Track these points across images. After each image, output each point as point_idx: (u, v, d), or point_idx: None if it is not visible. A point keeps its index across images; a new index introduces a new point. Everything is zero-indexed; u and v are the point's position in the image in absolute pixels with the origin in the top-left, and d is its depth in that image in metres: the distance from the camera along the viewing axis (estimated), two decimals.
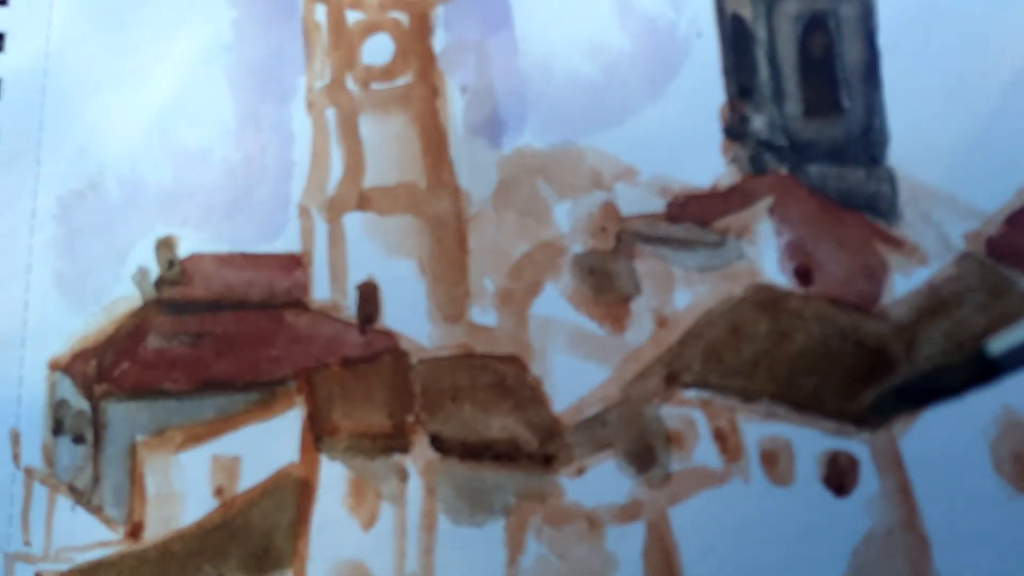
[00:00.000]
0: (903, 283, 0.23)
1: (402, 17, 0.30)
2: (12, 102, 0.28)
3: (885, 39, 0.25)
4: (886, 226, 0.23)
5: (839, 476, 0.22)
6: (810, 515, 0.22)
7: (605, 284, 0.24)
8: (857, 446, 0.22)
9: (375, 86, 0.30)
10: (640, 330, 0.27)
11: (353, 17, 0.31)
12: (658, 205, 0.28)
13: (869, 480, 0.22)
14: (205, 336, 0.30)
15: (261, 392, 0.30)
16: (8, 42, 0.29)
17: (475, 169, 0.30)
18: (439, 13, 0.30)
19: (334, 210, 0.30)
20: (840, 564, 0.22)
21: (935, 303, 0.22)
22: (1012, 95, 0.23)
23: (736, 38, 0.25)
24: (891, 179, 0.24)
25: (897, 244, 0.23)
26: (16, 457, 0.31)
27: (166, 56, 0.28)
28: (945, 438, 0.22)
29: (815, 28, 0.24)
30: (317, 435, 0.29)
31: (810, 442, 0.22)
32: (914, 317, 0.22)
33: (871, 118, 0.24)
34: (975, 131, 0.23)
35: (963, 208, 0.23)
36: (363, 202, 0.30)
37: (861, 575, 0.22)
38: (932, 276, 0.23)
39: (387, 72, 0.29)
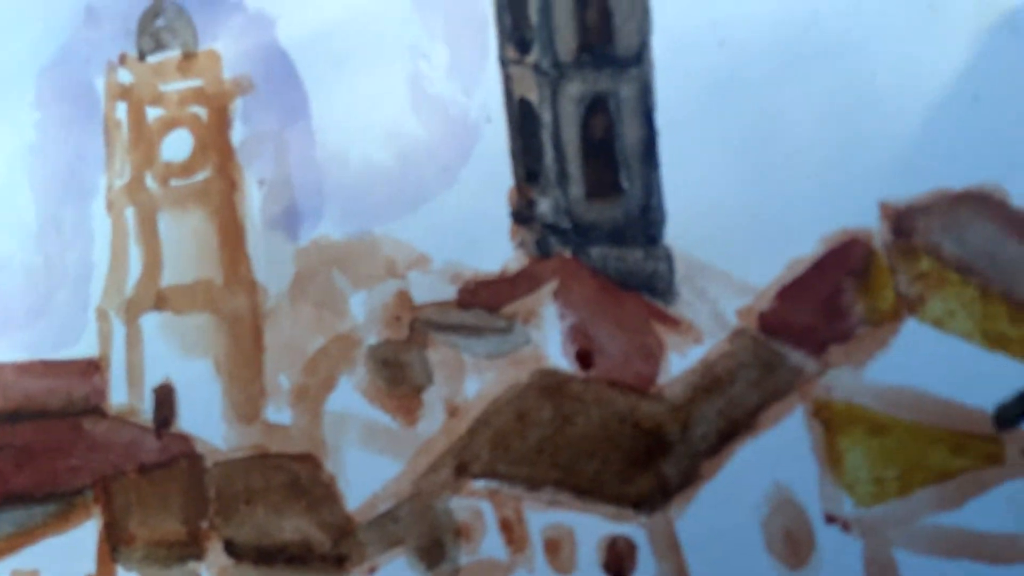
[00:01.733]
0: (679, 362, 0.30)
1: (201, 112, 0.35)
2: None
3: (663, 118, 0.32)
4: (663, 305, 0.31)
5: (618, 561, 0.30)
6: None
7: (398, 375, 0.32)
8: (635, 530, 0.30)
9: (174, 182, 0.36)
10: (432, 421, 0.33)
11: (153, 114, 0.36)
12: (449, 292, 0.34)
13: (647, 564, 0.30)
14: (4, 448, 0.35)
15: (59, 503, 0.35)
16: None
17: (272, 262, 0.36)
18: (238, 106, 0.37)
19: (132, 311, 0.36)
20: None
21: (709, 381, 0.30)
22: (785, 169, 0.31)
23: (524, 122, 0.33)
24: (668, 257, 0.31)
25: (674, 323, 0.31)
26: None
27: None
28: (719, 518, 0.30)
29: (597, 110, 0.33)
30: (114, 545, 0.35)
31: (591, 528, 0.30)
32: (689, 396, 0.30)
33: (649, 197, 0.32)
34: (750, 206, 0.31)
35: (737, 284, 0.30)
36: (160, 301, 0.36)
37: None
38: (707, 353, 0.30)
39: (186, 168, 0.35)
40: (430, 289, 0.37)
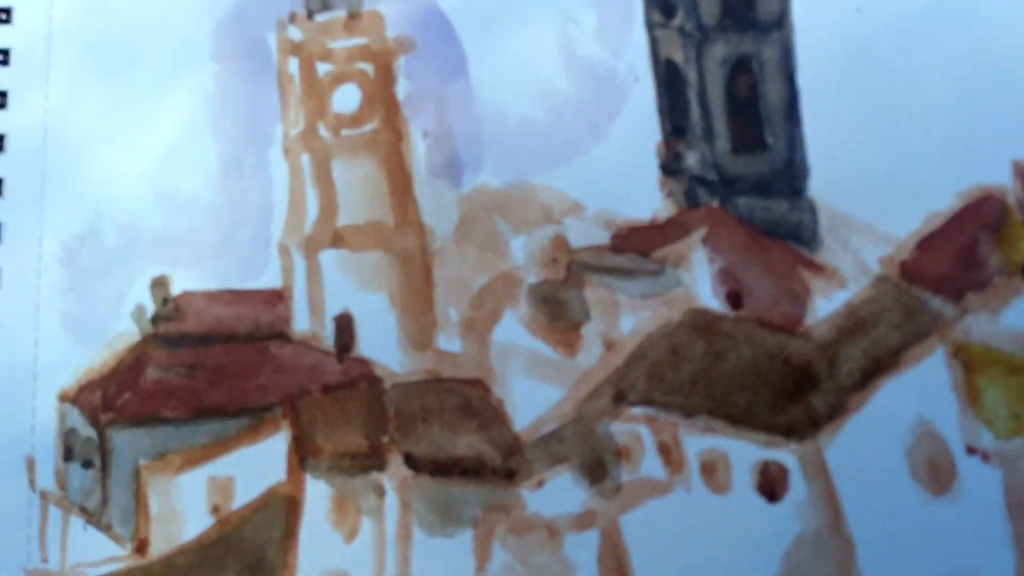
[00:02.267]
0: (825, 305, 0.27)
1: (368, 68, 0.35)
2: (16, 155, 0.36)
3: (804, 79, 0.32)
4: (808, 253, 0.28)
5: (771, 484, 0.25)
6: (746, 520, 0.26)
7: (558, 312, 0.29)
8: (787, 456, 0.25)
9: (345, 132, 0.35)
10: (590, 353, 0.32)
11: (323, 69, 0.36)
12: (603, 237, 0.33)
13: (798, 487, 0.28)
14: (198, 367, 0.35)
15: (250, 418, 0.34)
16: (11, 100, 0.31)
17: (437, 207, 0.34)
18: (401, 63, 0.35)
19: (311, 248, 0.35)
20: (773, 565, 0.25)
21: (854, 323, 0.26)
22: (921, 129, 0.28)
23: (670, 82, 0.29)
24: (812, 209, 0.30)
25: (819, 269, 0.26)
26: (32, 482, 0.35)
27: (156, 110, 0.37)
28: (866, 447, 0.26)
29: (740, 70, 0.28)
30: (302, 456, 0.34)
31: (744, 453, 0.28)
32: (835, 336, 0.26)
33: (793, 153, 0.27)
34: (888, 162, 0.26)
35: (878, 234, 0.27)
36: (337, 240, 0.35)
37: (793, 574, 0.24)
38: (851, 298, 0.28)
39: (355, 119, 0.35)
40: (584, 234, 0.33)
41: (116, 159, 0.36)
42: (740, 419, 0.30)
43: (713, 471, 0.30)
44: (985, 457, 0.28)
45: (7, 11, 0.37)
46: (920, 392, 0.29)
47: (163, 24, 0.36)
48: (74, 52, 0.37)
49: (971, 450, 0.28)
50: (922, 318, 0.29)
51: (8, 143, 0.36)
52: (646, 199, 0.32)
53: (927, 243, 0.29)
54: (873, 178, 0.30)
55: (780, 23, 0.31)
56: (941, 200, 0.29)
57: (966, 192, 0.29)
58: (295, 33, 0.35)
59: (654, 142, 0.32)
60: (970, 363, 0.29)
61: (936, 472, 0.28)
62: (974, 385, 0.29)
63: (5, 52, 0.37)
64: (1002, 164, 0.29)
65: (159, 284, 0.35)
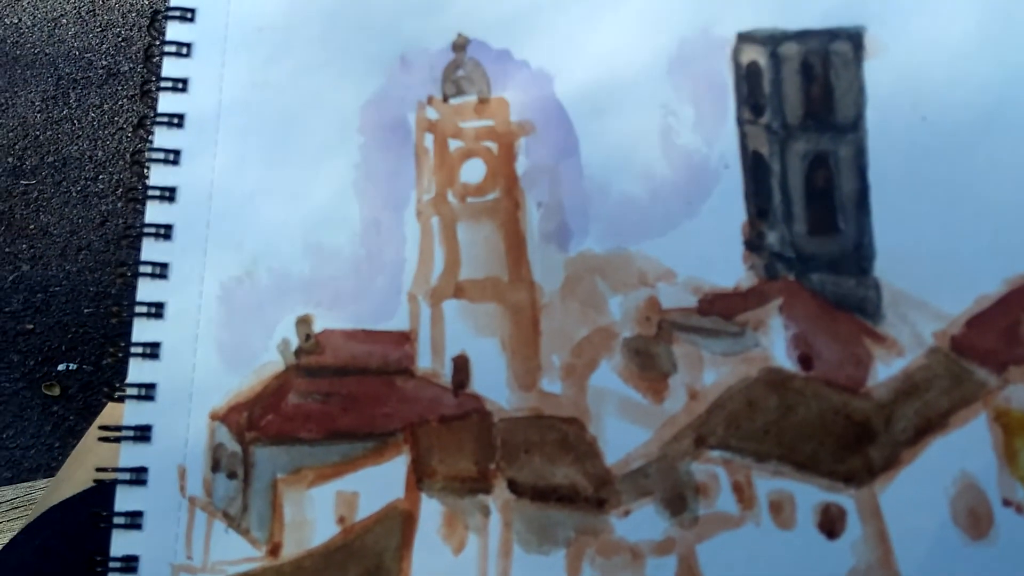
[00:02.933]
0: (884, 370, 0.32)
1: (493, 146, 0.42)
2: (185, 206, 0.42)
3: (874, 174, 0.35)
4: (872, 324, 0.32)
5: (830, 523, 0.32)
6: (807, 554, 0.32)
7: (648, 363, 0.34)
8: (845, 499, 0.31)
9: (470, 200, 0.44)
10: (676, 401, 0.39)
11: (454, 145, 0.45)
12: (691, 301, 0.40)
13: (854, 527, 0.32)
14: (333, 395, 0.43)
15: (376, 442, 0.42)
16: (184, 158, 0.39)
17: (547, 267, 0.42)
18: (522, 143, 0.44)
19: (436, 297, 0.43)
20: None
21: (909, 387, 0.32)
22: (975, 222, 0.34)
23: (756, 170, 0.35)
24: (876, 287, 0.34)
25: (880, 339, 0.32)
26: (182, 488, 0.44)
27: (309, 173, 0.41)
28: (915, 495, 0.32)
29: (819, 164, 0.34)
30: (419, 477, 0.42)
31: (808, 495, 0.32)
32: (892, 397, 0.32)
33: (862, 237, 0.33)
34: (945, 250, 0.33)
35: (933, 311, 0.33)
36: (458, 291, 0.43)
37: None
38: (907, 365, 0.32)
39: (480, 189, 0.39)
40: (675, 297, 0.41)
41: (272, 213, 0.44)
42: (806, 465, 0.36)
43: (780, 509, 0.36)
44: (1019, 509, 0.34)
45: (184, 81, 0.46)
46: (964, 450, 0.35)
47: (319, 99, 0.45)
48: (241, 119, 0.45)
49: (1007, 502, 0.35)
50: (968, 386, 0.36)
51: (180, 195, 0.45)
52: (731, 270, 0.39)
53: (976, 321, 0.36)
54: (931, 262, 0.37)
55: (856, 126, 0.39)
56: (990, 285, 0.36)
57: (1012, 279, 0.36)
58: (432, 113, 0.43)
59: (740, 221, 0.39)
60: (1009, 427, 0.35)
61: (975, 520, 0.35)
62: (1012, 447, 0.35)
63: (181, 117, 0.46)
64: None
65: (303, 322, 0.43)
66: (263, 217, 0.46)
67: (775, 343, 0.39)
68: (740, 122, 0.41)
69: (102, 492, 0.45)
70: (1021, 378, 0.36)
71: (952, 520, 0.35)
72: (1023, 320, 0.36)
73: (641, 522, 0.39)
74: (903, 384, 0.37)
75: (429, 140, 0.45)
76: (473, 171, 0.44)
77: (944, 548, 0.35)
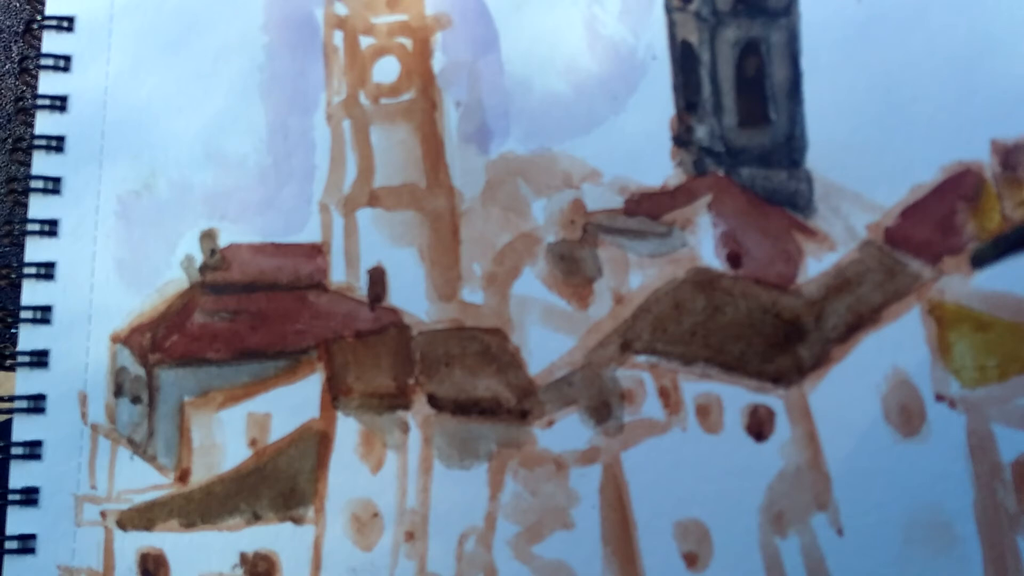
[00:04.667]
0: (815, 265, 0.35)
1: (407, 42, 0.41)
2: (77, 115, 0.43)
3: (807, 61, 0.37)
4: (803, 219, 0.35)
5: (759, 425, 0.34)
6: (735, 457, 0.34)
7: (573, 268, 0.36)
8: (774, 400, 0.33)
9: (384, 101, 0.45)
10: (601, 306, 0.41)
11: (366, 42, 0.46)
12: (617, 202, 0.42)
13: (783, 428, 0.34)
14: (241, 313, 0.45)
15: (288, 360, 0.44)
16: (74, 64, 0.41)
17: (467, 171, 0.44)
18: (438, 39, 0.45)
19: (349, 206, 0.45)
20: (758, 497, 0.34)
21: (840, 282, 0.34)
22: (910, 109, 0.36)
23: (684, 61, 0.37)
24: (808, 179, 0.36)
25: (811, 233, 0.35)
26: (84, 416, 0.46)
27: (210, 77, 0.42)
28: (846, 394, 0.34)
29: (749, 52, 0.36)
30: (334, 395, 0.44)
31: (736, 397, 0.35)
32: (823, 293, 0.34)
33: (793, 128, 0.35)
34: (878, 138, 0.35)
35: (866, 203, 0.35)
36: (373, 199, 0.45)
37: (775, 505, 0.34)
38: (839, 260, 0.34)
39: (394, 89, 0.40)
40: (600, 198, 0.42)
41: (171, 121, 0.46)
42: (734, 366, 0.39)
43: (707, 413, 0.39)
44: (952, 404, 0.37)
45: None
46: (897, 345, 0.37)
47: None
48: (134, 21, 0.47)
49: (939, 397, 0.37)
50: (902, 279, 0.38)
51: (71, 104, 0.46)
52: (658, 167, 0.41)
53: (910, 212, 0.38)
54: (864, 152, 0.39)
55: (788, 10, 0.41)
56: (925, 173, 0.38)
57: (948, 167, 0.38)
58: (341, 8, 0.45)
59: (668, 116, 0.41)
60: (943, 319, 0.37)
61: (907, 416, 0.37)
62: (945, 339, 0.37)
63: (70, 20, 0.47)
64: (982, 142, 0.38)
65: (207, 236, 0.45)
66: (161, 125, 0.47)
67: (703, 242, 0.41)
68: (668, 9, 0.43)
69: None
70: (956, 269, 0.38)
71: (884, 417, 0.38)
72: (959, 208, 0.39)
73: (565, 432, 0.41)
74: (834, 279, 0.39)
75: (338, 37, 0.46)
76: (386, 70, 0.45)
77: (875, 446, 0.38)
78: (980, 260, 0.38)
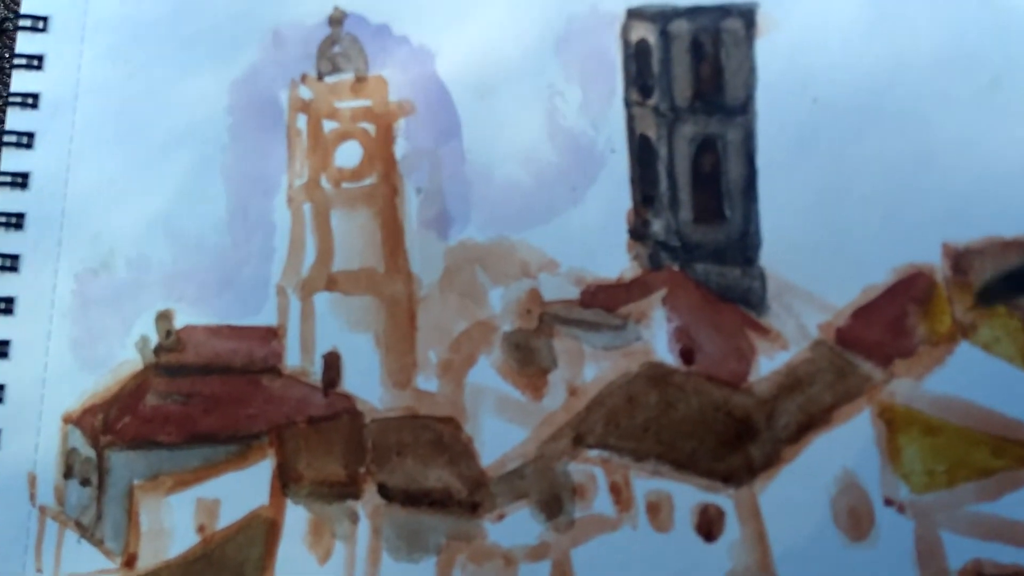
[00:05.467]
0: (768, 364, 0.36)
1: (370, 127, 0.42)
2: (38, 192, 0.46)
3: (762, 160, 0.39)
4: (756, 316, 0.36)
5: (708, 525, 0.35)
6: (684, 557, 0.36)
7: (528, 358, 0.38)
8: (724, 500, 0.35)
9: (345, 185, 0.47)
10: (555, 398, 0.41)
11: (329, 126, 0.45)
12: (573, 293, 0.44)
13: (733, 528, 0.35)
14: (195, 396, 0.46)
15: (239, 445, 0.46)
16: (37, 141, 0.42)
17: (425, 257, 0.46)
18: (401, 125, 0.47)
19: (306, 290, 0.46)
20: None
21: (792, 381, 0.36)
22: (863, 210, 0.37)
23: (643, 155, 0.39)
24: (762, 277, 0.37)
25: (764, 331, 0.36)
26: (32, 497, 0.46)
27: (172, 156, 0.44)
28: (795, 495, 0.35)
29: (706, 148, 0.38)
30: (284, 482, 0.45)
31: (687, 495, 0.36)
32: (775, 392, 0.36)
33: (748, 225, 0.37)
34: (832, 239, 0.37)
35: (819, 302, 0.36)
36: (331, 283, 0.46)
37: None
38: (791, 358, 0.35)
39: (356, 174, 0.42)
40: (557, 289, 0.44)
41: (133, 201, 0.48)
42: (685, 464, 0.40)
43: (658, 511, 0.40)
44: (900, 508, 0.38)
45: (39, 58, 0.49)
46: (847, 447, 0.39)
47: (185, 76, 0.48)
48: (100, 99, 0.49)
49: (889, 502, 0.38)
50: (853, 380, 0.39)
51: (33, 181, 0.48)
52: (614, 260, 0.42)
53: (862, 313, 0.40)
54: (818, 252, 0.41)
55: (745, 108, 0.43)
56: (877, 275, 0.40)
57: (900, 269, 0.40)
58: (306, 92, 0.47)
59: (625, 209, 0.43)
60: (893, 423, 0.39)
61: (856, 520, 0.38)
62: (895, 443, 0.39)
63: (35, 96, 0.49)
64: (933, 245, 0.40)
65: (163, 317, 0.46)
66: (122, 205, 0.49)
67: (657, 336, 0.42)
68: (628, 104, 0.45)
69: None
70: (906, 372, 0.40)
71: (833, 520, 0.39)
72: (910, 311, 0.40)
73: (515, 526, 0.42)
74: (786, 378, 0.41)
75: (302, 121, 0.48)
76: (349, 154, 0.47)
77: (823, 549, 0.39)
78: (987, 296, 0.39)
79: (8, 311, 0.49)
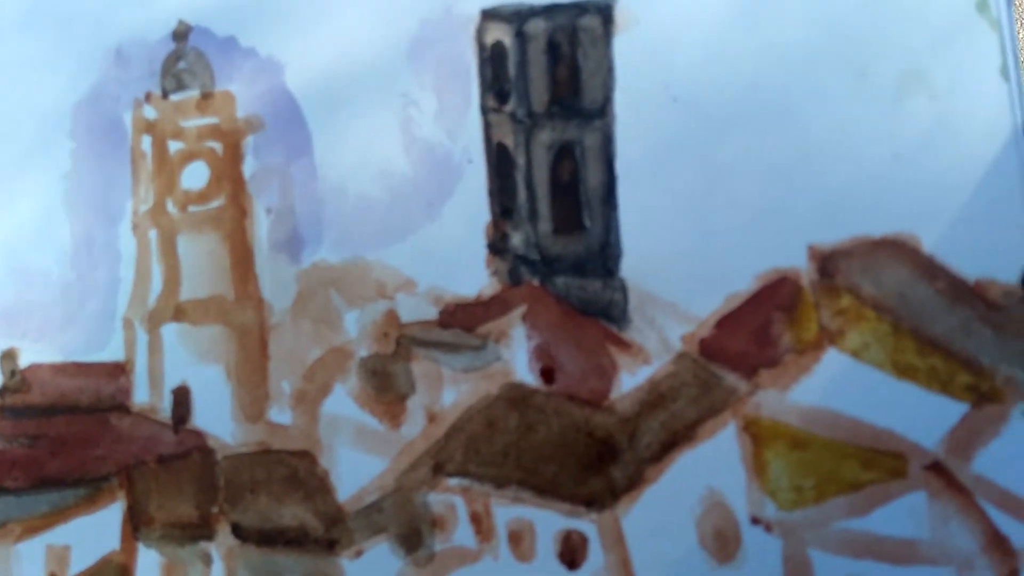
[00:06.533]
0: (629, 380, 0.35)
1: (217, 146, 0.42)
2: None
3: (622, 165, 0.38)
4: (618, 330, 0.36)
5: (572, 552, 0.35)
6: None
7: (386, 384, 0.37)
8: (587, 525, 0.34)
9: (192, 208, 0.46)
10: (414, 425, 0.41)
11: (174, 147, 0.43)
12: (432, 313, 0.44)
13: (596, 555, 0.35)
14: (41, 438, 0.46)
15: (88, 488, 0.46)
16: None
17: (277, 282, 0.46)
18: (250, 142, 0.45)
19: (153, 321, 0.47)
20: None
21: (655, 397, 0.35)
22: (726, 214, 0.36)
23: (500, 164, 0.39)
24: (623, 288, 0.37)
25: (626, 346, 0.36)
26: None
27: (13, 187, 0.43)
28: (660, 517, 0.35)
29: (564, 156, 0.37)
30: (135, 525, 0.45)
31: (549, 522, 0.36)
32: (637, 410, 0.35)
33: (608, 235, 0.37)
34: (693, 246, 0.36)
35: (681, 313, 0.36)
36: (179, 314, 0.46)
37: None
38: (654, 373, 0.36)
39: (203, 196, 0.41)
40: (415, 309, 0.44)
41: None
42: (546, 489, 0.40)
43: (520, 540, 0.40)
44: (768, 527, 0.38)
45: None
46: (712, 464, 0.39)
47: (25, 101, 0.47)
48: None
49: (755, 520, 0.38)
50: (717, 393, 0.39)
51: None
52: (473, 277, 0.42)
53: (725, 322, 0.40)
54: (680, 261, 0.40)
55: (603, 111, 0.42)
56: (741, 282, 0.40)
57: (764, 275, 0.40)
58: (150, 112, 0.46)
59: (484, 222, 0.42)
60: (759, 437, 0.39)
61: (723, 541, 0.38)
62: (761, 458, 0.38)
63: None
64: (798, 248, 0.40)
65: (8, 356, 0.45)
66: None
67: (517, 356, 0.42)
68: (484, 111, 0.45)
69: None
70: (772, 383, 0.39)
71: (699, 543, 0.39)
72: (775, 319, 0.40)
73: (374, 562, 0.42)
74: (648, 395, 0.40)
75: (147, 142, 0.48)
76: (195, 176, 0.47)
77: (690, 573, 0.38)
78: None
79: None
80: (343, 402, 0.45)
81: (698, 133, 0.43)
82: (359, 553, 0.43)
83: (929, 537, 0.39)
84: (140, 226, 0.48)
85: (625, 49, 0.44)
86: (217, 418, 0.45)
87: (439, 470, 0.43)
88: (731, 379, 0.41)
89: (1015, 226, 0.38)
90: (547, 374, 0.43)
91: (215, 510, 0.44)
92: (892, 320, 0.40)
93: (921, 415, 0.39)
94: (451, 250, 0.45)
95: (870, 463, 0.39)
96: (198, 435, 0.45)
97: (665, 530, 0.40)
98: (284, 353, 0.45)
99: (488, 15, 0.46)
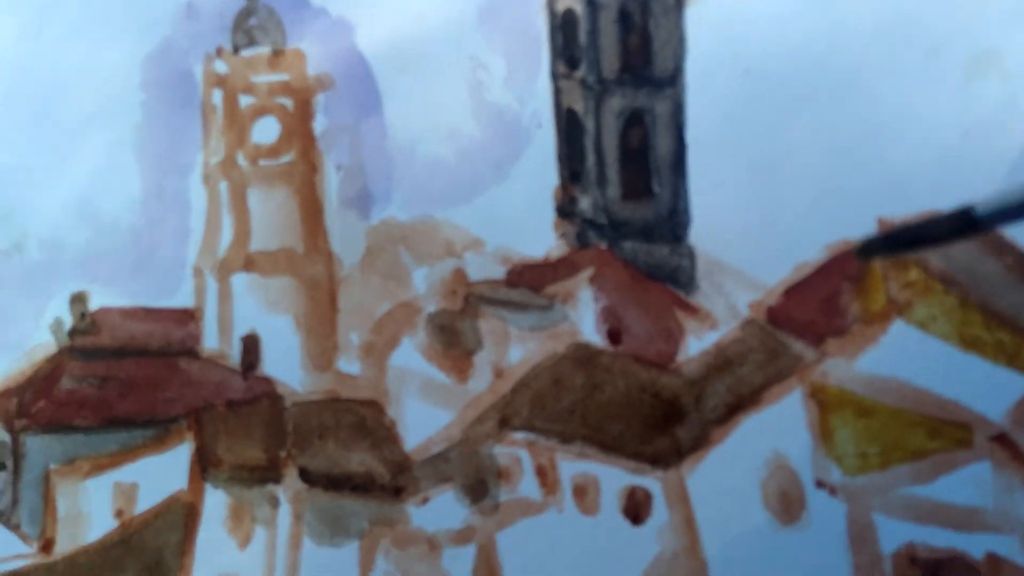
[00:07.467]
0: (696, 344, 0.32)
1: (288, 102, 0.39)
2: None
3: (692, 134, 0.36)
4: (685, 295, 0.31)
5: (636, 507, 0.29)
6: (611, 540, 0.31)
7: (453, 340, 0.32)
8: (652, 482, 0.29)
9: (262, 162, 0.39)
10: (480, 380, 0.36)
11: (245, 101, 0.40)
12: (499, 272, 0.37)
13: (660, 512, 0.31)
14: (110, 379, 0.39)
15: (157, 429, 0.38)
16: None
17: (346, 237, 0.38)
18: (320, 100, 0.39)
19: (223, 271, 0.39)
20: None
21: (721, 362, 0.30)
22: (795, 185, 0.33)
23: (570, 130, 0.34)
24: (691, 254, 0.35)
25: (693, 311, 0.30)
26: None
27: (84, 135, 0.40)
28: (724, 478, 0.30)
29: (634, 123, 0.31)
30: (203, 467, 0.38)
31: (614, 478, 0.33)
32: (703, 373, 0.30)
33: (676, 202, 0.31)
34: (763, 215, 0.31)
35: (749, 281, 0.31)
36: (248, 264, 0.39)
37: None
38: (720, 338, 0.31)
39: (273, 150, 0.39)
40: (483, 268, 0.37)
41: (44, 181, 0.40)
42: (612, 446, 0.34)
43: (584, 494, 0.34)
44: (832, 491, 0.32)
45: None
46: (777, 428, 0.33)
47: (96, 53, 0.40)
48: (6, 77, 0.41)
49: (820, 484, 0.32)
50: (784, 360, 0.33)
51: None
52: (541, 238, 0.36)
53: (794, 291, 0.34)
54: (748, 229, 0.34)
55: (674, 81, 0.36)
56: (809, 252, 0.34)
57: (833, 245, 0.34)
58: (221, 66, 0.39)
59: (552, 186, 0.36)
60: (825, 404, 0.33)
61: (787, 503, 0.32)
62: (827, 424, 0.33)
63: None
64: (867, 220, 0.33)
65: (78, 299, 0.39)
66: (34, 185, 0.41)
67: (584, 317, 0.36)
68: (554, 76, 0.38)
69: None
70: (839, 351, 0.34)
71: (763, 504, 0.33)
72: (843, 289, 0.34)
73: (439, 510, 0.36)
74: (715, 359, 0.35)
75: (218, 96, 0.40)
76: (266, 131, 0.40)
77: (753, 533, 0.33)
78: (867, 252, 0.33)
79: None
80: (411, 355, 0.38)
81: (768, 105, 0.37)
82: (425, 500, 0.37)
83: (993, 506, 0.33)
84: (211, 178, 0.41)
85: (697, 20, 0.37)
86: (286, 367, 0.38)
87: (505, 424, 0.37)
88: (798, 347, 0.35)
89: None
90: (614, 336, 0.37)
91: (283, 454, 0.38)
92: (959, 293, 0.34)
93: (987, 387, 0.33)
94: (519, 212, 0.38)
95: (935, 432, 0.34)
96: (267, 382, 0.38)
97: (730, 490, 0.35)
98: (353, 306, 0.39)
99: None
